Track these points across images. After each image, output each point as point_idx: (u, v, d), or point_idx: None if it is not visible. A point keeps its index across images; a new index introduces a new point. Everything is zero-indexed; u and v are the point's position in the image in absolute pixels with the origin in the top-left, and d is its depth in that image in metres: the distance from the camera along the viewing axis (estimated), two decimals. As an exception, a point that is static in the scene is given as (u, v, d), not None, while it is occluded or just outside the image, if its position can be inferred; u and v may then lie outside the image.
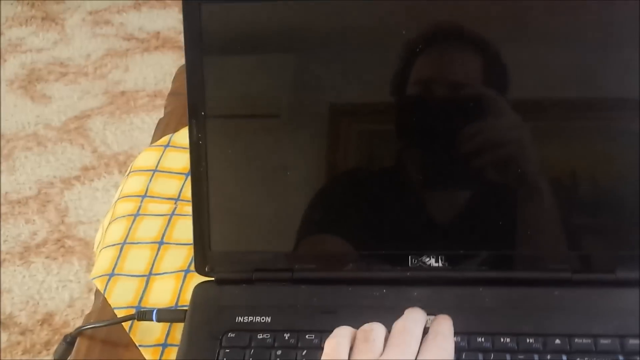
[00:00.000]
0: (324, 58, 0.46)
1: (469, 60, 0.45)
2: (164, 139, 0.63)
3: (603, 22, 0.44)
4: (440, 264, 0.46)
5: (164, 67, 1.34)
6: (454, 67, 0.45)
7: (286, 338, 0.44)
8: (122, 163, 1.19)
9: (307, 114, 0.47)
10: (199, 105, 0.47)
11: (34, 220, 1.10)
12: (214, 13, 0.46)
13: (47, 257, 1.05)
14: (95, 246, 0.60)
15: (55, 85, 1.34)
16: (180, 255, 0.53)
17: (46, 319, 0.95)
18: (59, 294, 0.98)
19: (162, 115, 0.70)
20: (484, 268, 0.46)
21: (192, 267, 0.51)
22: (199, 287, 0.48)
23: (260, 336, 0.45)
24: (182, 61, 0.63)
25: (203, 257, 0.48)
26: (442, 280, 0.46)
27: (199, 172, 0.47)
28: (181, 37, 1.40)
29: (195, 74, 0.47)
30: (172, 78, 0.70)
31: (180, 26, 1.42)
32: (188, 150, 0.58)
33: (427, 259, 0.46)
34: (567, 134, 0.45)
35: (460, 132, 0.44)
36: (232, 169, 0.48)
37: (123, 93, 1.31)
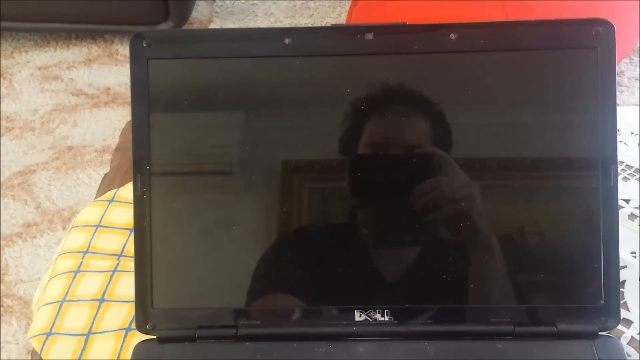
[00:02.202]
0: (273, 115, 0.47)
1: (418, 121, 0.46)
2: (109, 194, 0.62)
3: (544, 85, 0.46)
4: (387, 319, 0.46)
5: (113, 123, 1.33)
6: (404, 127, 0.46)
7: (229, 398, 0.43)
8: (67, 219, 1.17)
9: (254, 170, 0.47)
10: (144, 159, 0.47)
11: (-29, 278, 1.06)
12: (162, 69, 0.47)
13: (-17, 318, 1.00)
14: (34, 304, 0.58)
15: (1, 140, 1.31)
16: (122, 313, 0.52)
17: (-21, 383, 0.91)
18: (-5, 356, 0.94)
19: (109, 170, 0.69)
20: (430, 322, 0.46)
21: (134, 325, 0.49)
22: (139, 346, 0.47)
23: (202, 397, 0.43)
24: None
25: (144, 314, 0.47)
26: (388, 334, 0.46)
27: (142, 228, 0.47)
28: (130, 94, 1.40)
29: (141, 128, 0.47)
30: (120, 134, 0.70)
31: (129, 83, 1.42)
32: (131, 206, 0.57)
33: (374, 314, 0.46)
34: (513, 191, 0.47)
35: (412, 189, 0.45)
36: (176, 225, 0.48)
37: (70, 148, 1.29)
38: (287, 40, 0.46)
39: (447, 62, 0.46)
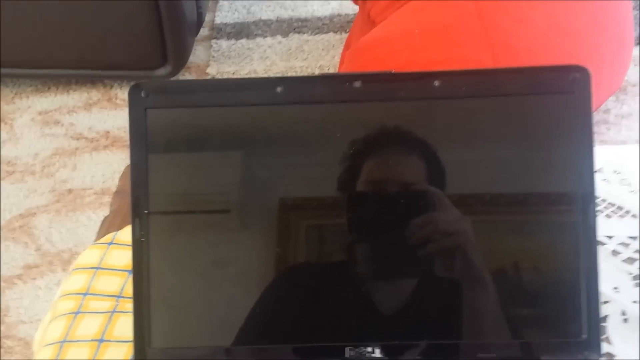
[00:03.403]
0: (268, 158, 0.49)
1: (410, 160, 0.48)
2: (108, 237, 0.64)
3: (525, 129, 0.48)
4: (378, 355, 0.47)
5: (113, 166, 1.35)
6: (399, 166, 0.48)
7: None
8: (67, 261, 1.18)
9: (251, 209, 0.49)
10: (143, 202, 0.49)
11: (-29, 321, 1.06)
12: (159, 117, 0.49)
13: (-18, 360, 1.01)
14: (35, 344, 0.59)
15: (2, 183, 1.33)
16: (120, 352, 0.53)
17: None
18: (-6, 399, 0.94)
19: (108, 213, 0.71)
20: (419, 358, 0.47)
21: (132, 365, 0.51)
22: (138, 385, 0.48)
23: None
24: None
25: (142, 353, 0.48)
26: (379, 370, 0.47)
27: (140, 269, 0.48)
28: (131, 136, 1.43)
29: (139, 175, 0.49)
30: (119, 179, 0.72)
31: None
32: (130, 248, 0.59)
33: (364, 350, 0.47)
34: (500, 227, 0.49)
35: (407, 226, 0.47)
36: (174, 266, 0.49)
37: (70, 191, 1.31)
38: (279, 89, 0.48)
39: (432, 108, 0.49)
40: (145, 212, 0.49)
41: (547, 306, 0.47)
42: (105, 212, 1.06)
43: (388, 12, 1.37)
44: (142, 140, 0.49)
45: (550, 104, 0.48)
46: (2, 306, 1.10)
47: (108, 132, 1.44)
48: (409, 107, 0.49)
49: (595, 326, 0.46)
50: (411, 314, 0.48)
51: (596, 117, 1.40)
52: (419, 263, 0.48)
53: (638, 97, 1.45)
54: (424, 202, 0.47)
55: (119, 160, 1.36)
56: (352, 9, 1.81)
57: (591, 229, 0.47)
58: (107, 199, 1.28)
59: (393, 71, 0.49)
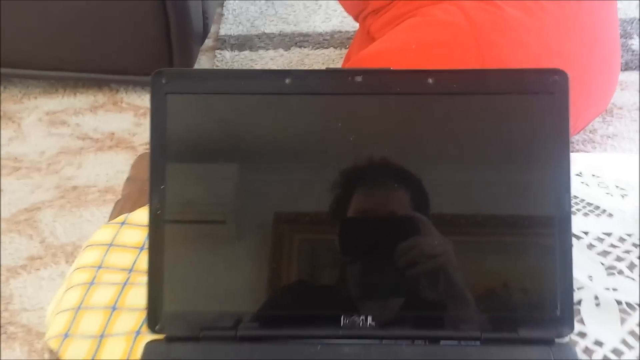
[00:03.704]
0: (268, 164, 0.54)
1: (399, 189, 0.53)
2: (120, 218, 0.68)
3: (507, 125, 0.53)
4: (368, 324, 0.52)
5: (116, 166, 1.40)
6: (387, 193, 0.54)
7: (228, 389, 0.49)
8: (70, 253, 1.22)
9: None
10: (160, 181, 0.53)
11: (-24, 307, 1.10)
12: (178, 102, 0.54)
13: (-14, 344, 1.05)
14: (48, 316, 0.63)
15: (8, 179, 1.38)
16: (132, 319, 0.58)
17: (-18, 405, 0.94)
18: (-3, 380, 0.98)
19: (111, 210, 0.75)
20: (406, 327, 0.52)
21: (143, 329, 0.55)
22: (149, 345, 0.53)
23: (204, 388, 0.49)
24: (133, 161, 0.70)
25: (155, 316, 0.53)
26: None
27: (156, 240, 0.53)
28: (134, 139, 1.48)
29: (158, 153, 0.54)
30: (130, 166, 0.77)
31: (134, 129, 1.50)
32: (142, 228, 0.64)
33: (356, 319, 0.52)
34: (484, 247, 0.54)
35: (394, 248, 0.52)
36: (186, 239, 0.54)
37: (75, 188, 1.35)
38: (287, 80, 0.53)
39: (425, 103, 0.54)
40: (162, 187, 0.53)
41: (526, 286, 0.52)
42: (108, 209, 1.11)
43: (387, 28, 1.44)
44: (162, 122, 0.54)
45: (531, 104, 0.53)
46: (6, 294, 1.14)
47: (113, 133, 1.49)
48: (404, 101, 0.54)
49: (569, 304, 0.51)
50: (400, 321, 0.53)
51: (583, 136, 1.46)
52: (403, 282, 0.53)
53: (624, 119, 1.51)
54: (410, 227, 0.53)
55: (122, 161, 1.41)
56: (353, 26, 1.88)
57: (566, 218, 0.52)
58: (110, 196, 1.32)
59: (391, 68, 0.54)
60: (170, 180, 0.54)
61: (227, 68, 1.72)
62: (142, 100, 1.53)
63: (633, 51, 1.76)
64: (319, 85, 0.54)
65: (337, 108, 0.54)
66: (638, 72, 1.68)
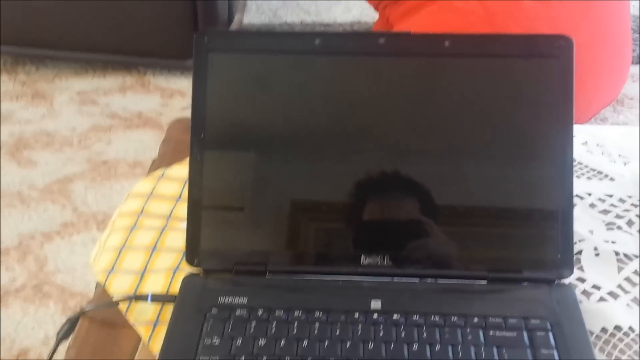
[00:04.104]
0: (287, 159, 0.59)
1: (409, 195, 0.59)
2: (159, 172, 0.74)
3: (524, 81, 0.58)
4: (386, 263, 0.57)
5: (144, 143, 1.46)
6: (399, 199, 0.59)
7: (260, 314, 0.54)
8: (101, 221, 1.29)
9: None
10: (201, 130, 0.59)
11: (14, 267, 1.17)
12: (219, 60, 0.60)
13: (24, 301, 1.11)
14: (92, 258, 0.69)
15: (41, 153, 1.45)
16: (170, 258, 0.63)
17: (21, 354, 1.01)
18: (34, 333, 1.04)
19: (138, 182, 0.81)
20: (419, 266, 0.57)
21: (181, 266, 0.61)
22: (188, 277, 0.58)
23: (238, 312, 0.55)
24: (161, 138, 0.76)
25: (194, 252, 0.58)
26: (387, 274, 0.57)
27: (195, 183, 0.59)
28: (161, 118, 1.54)
29: (199, 106, 0.59)
30: (166, 131, 0.82)
31: (160, 109, 1.56)
32: (178, 181, 0.70)
33: (374, 257, 0.57)
34: (494, 192, 0.58)
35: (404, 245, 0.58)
36: (223, 185, 0.60)
37: (105, 162, 1.42)
38: (317, 41, 0.59)
39: (440, 65, 0.59)
40: (203, 135, 0.59)
41: (530, 233, 0.57)
42: (136, 182, 1.17)
43: (406, 17, 1.48)
44: (204, 77, 0.59)
45: (539, 66, 0.58)
46: (41, 257, 1.21)
47: (141, 113, 1.56)
48: (423, 62, 0.60)
49: (569, 249, 0.56)
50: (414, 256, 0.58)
51: (593, 124, 1.50)
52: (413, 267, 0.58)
53: (635, 109, 1.56)
54: (416, 227, 0.58)
55: (149, 139, 1.47)
56: (372, 17, 1.93)
57: (568, 168, 0.57)
58: (139, 170, 1.39)
59: (411, 32, 0.60)
60: (210, 130, 0.59)
61: (264, 31, 1.77)
62: (169, 82, 1.59)
63: (647, 44, 1.80)
64: (346, 46, 0.59)
65: (361, 68, 0.59)
66: (650, 65, 1.72)
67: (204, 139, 0.59)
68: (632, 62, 1.55)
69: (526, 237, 0.58)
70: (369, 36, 0.59)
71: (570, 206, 0.57)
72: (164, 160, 0.79)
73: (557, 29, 1.34)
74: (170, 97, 1.55)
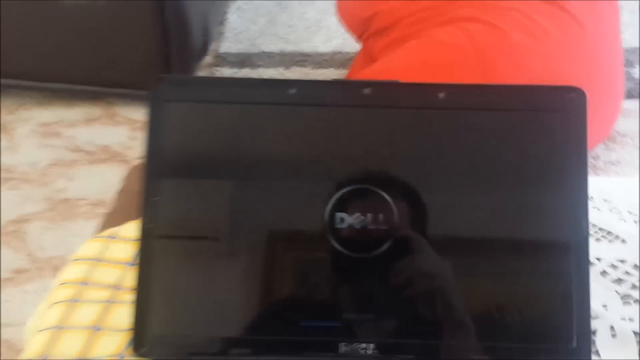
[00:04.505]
0: (264, 180, 0.51)
1: (395, 204, 0.50)
2: (109, 231, 0.65)
3: (519, 145, 0.50)
4: (371, 352, 0.48)
5: (109, 179, 1.36)
6: (382, 209, 0.50)
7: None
8: (56, 268, 1.18)
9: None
10: (154, 193, 0.50)
11: (-43, 320, 1.06)
12: (178, 110, 0.51)
13: (-35, 361, 1.00)
14: (27, 332, 0.59)
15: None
16: (115, 341, 0.54)
17: None
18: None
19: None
20: (411, 356, 0.48)
21: (126, 353, 0.51)
22: (133, 370, 0.49)
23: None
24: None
25: (141, 338, 0.49)
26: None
27: (146, 257, 0.50)
28: (129, 152, 1.44)
29: (153, 163, 0.50)
30: (124, 178, 0.73)
31: (128, 142, 1.47)
32: (132, 243, 0.61)
33: (356, 347, 0.48)
34: (483, 267, 0.50)
35: (389, 267, 0.49)
36: (176, 257, 0.51)
37: (65, 200, 1.32)
38: (292, 90, 0.50)
39: (434, 119, 0.51)
40: (156, 199, 0.50)
41: (538, 313, 0.49)
42: (98, 223, 1.07)
43: (390, 49, 1.42)
44: (159, 131, 0.51)
45: (546, 122, 0.50)
46: (-12, 309, 1.10)
47: (107, 146, 1.46)
48: (413, 115, 0.51)
49: (586, 334, 0.48)
50: (400, 317, 0.49)
51: (591, 173, 1.44)
52: (400, 303, 0.49)
53: (627, 147, 1.49)
54: (404, 246, 0.49)
55: (115, 175, 1.37)
56: (353, 47, 1.86)
57: (583, 242, 0.49)
58: (101, 210, 1.29)
59: (400, 81, 0.51)
60: (165, 193, 0.50)
61: (231, 77, 1.70)
62: (138, 114, 1.50)
63: (635, 79, 1.75)
64: (325, 96, 0.51)
65: (342, 121, 0.51)
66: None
67: (157, 203, 0.50)
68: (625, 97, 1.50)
69: (533, 321, 0.49)
70: (352, 85, 0.51)
71: (586, 282, 0.49)
72: (118, 214, 0.70)
73: (548, 64, 1.28)
74: (139, 129, 1.46)
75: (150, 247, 0.50)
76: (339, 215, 0.49)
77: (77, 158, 1.42)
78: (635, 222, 0.67)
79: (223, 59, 1.88)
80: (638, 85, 1.73)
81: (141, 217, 0.50)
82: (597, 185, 0.72)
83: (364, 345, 0.49)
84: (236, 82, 0.53)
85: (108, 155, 1.45)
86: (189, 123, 0.51)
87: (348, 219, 0.49)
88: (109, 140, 1.49)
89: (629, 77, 1.75)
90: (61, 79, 1.58)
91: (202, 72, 1.81)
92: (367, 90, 0.51)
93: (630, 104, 1.64)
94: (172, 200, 0.50)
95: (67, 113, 1.58)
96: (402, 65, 1.28)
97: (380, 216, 0.49)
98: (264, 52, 1.93)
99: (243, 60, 1.89)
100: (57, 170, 1.40)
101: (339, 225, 0.49)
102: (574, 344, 0.48)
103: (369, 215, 0.49)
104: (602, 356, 0.52)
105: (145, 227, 0.50)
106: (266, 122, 0.51)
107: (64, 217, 1.29)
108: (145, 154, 0.50)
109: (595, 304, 0.56)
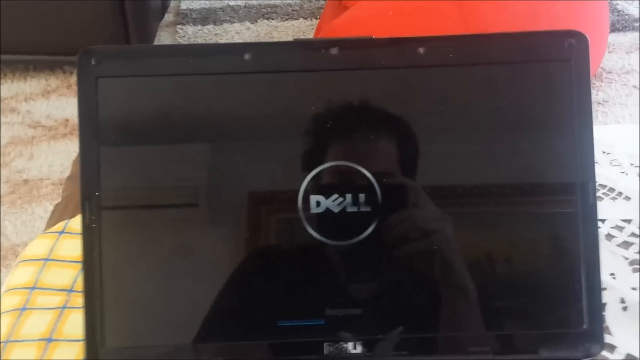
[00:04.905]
0: (235, 144, 0.44)
1: (386, 149, 0.44)
2: (59, 225, 0.58)
3: (517, 100, 0.44)
4: (359, 351, 0.43)
5: (71, 155, 1.28)
6: (371, 152, 0.43)
7: None
8: (21, 256, 1.11)
9: (215, 200, 0.44)
10: (93, 186, 0.43)
11: None
12: (112, 87, 0.44)
13: None
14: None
15: (-48, 174, 1.26)
16: (71, 353, 0.48)
17: None
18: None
19: (60, 200, 0.65)
20: (405, 353, 0.43)
21: (84, 366, 0.45)
22: (89, 389, 0.43)
23: None
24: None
25: (94, 353, 0.43)
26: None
27: (91, 260, 0.43)
28: (92, 125, 1.36)
29: (89, 154, 0.43)
30: (72, 162, 0.66)
31: (91, 113, 1.38)
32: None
33: (344, 345, 0.43)
34: (485, 222, 0.44)
35: (382, 221, 0.42)
36: (129, 257, 0.44)
37: (26, 182, 1.24)
38: (247, 56, 0.43)
39: (416, 77, 0.44)
40: (97, 194, 0.43)
41: (543, 297, 0.43)
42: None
43: (360, -4, 1.33)
44: (92, 114, 0.43)
45: (545, 73, 0.44)
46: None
47: (67, 120, 1.37)
48: (391, 76, 0.44)
49: (598, 315, 0.42)
50: (390, 310, 0.43)
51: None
52: (394, 263, 0.43)
53: (614, 84, 1.43)
54: (399, 196, 0.43)
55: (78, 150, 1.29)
56: (323, -6, 1.76)
57: (591, 210, 0.43)
58: (66, 190, 1.21)
59: (373, 37, 0.44)
60: (105, 181, 0.43)
61: (173, 44, 1.60)
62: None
63: (619, 11, 1.68)
64: (286, 60, 0.44)
65: (308, 88, 0.44)
66: (625, 34, 1.60)
67: (99, 199, 0.43)
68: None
69: (540, 304, 0.43)
70: (317, 45, 0.44)
71: (596, 254, 0.43)
72: (69, 204, 0.63)
73: (531, 3, 1.20)
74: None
75: (95, 248, 0.43)
76: (314, 198, 0.43)
77: (36, 134, 1.33)
78: (637, 174, 0.61)
79: (185, 16, 1.78)
80: (623, 18, 1.65)
81: (81, 210, 0.43)
82: (595, 135, 0.65)
83: (350, 344, 0.43)
84: (180, 50, 0.45)
85: (68, 129, 1.36)
86: (124, 101, 0.44)
87: (325, 202, 0.43)
88: (69, 112, 1.40)
89: (612, 9, 1.68)
90: (13, 50, 1.47)
91: (164, 32, 1.71)
92: (334, 50, 0.43)
93: (615, 38, 1.57)
94: (116, 183, 0.43)
95: (22, 86, 1.48)
96: (373, 13, 1.19)
97: (361, 196, 0.43)
98: (228, 6, 1.83)
99: (206, 16, 1.79)
100: (16, 149, 1.32)
101: (314, 210, 0.43)
102: (585, 326, 0.43)
103: (348, 196, 0.43)
104: (613, 334, 0.47)
105: (87, 227, 0.43)
106: (219, 96, 0.44)
107: (26, 200, 1.21)
108: (79, 139, 0.43)
109: (602, 274, 0.51)
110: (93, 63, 0.43)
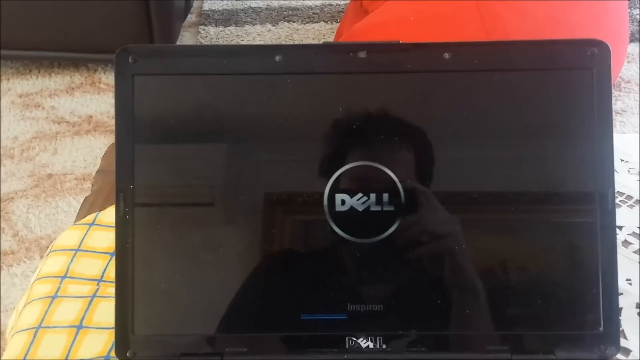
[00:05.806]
0: (259, 143, 0.45)
1: (409, 152, 0.45)
2: (89, 217, 0.60)
3: (538, 107, 0.45)
4: (379, 346, 0.44)
5: (95, 151, 1.31)
6: (395, 158, 0.45)
7: None
8: (44, 248, 1.13)
9: (239, 198, 0.45)
10: (128, 178, 0.45)
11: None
12: (147, 85, 0.45)
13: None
14: (8, 331, 0.55)
15: (-22, 166, 1.29)
16: (100, 340, 0.49)
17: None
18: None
19: (90, 193, 0.67)
20: (424, 350, 0.44)
21: (112, 354, 0.47)
22: (118, 375, 0.44)
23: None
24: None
25: (125, 341, 0.44)
26: (379, 362, 0.44)
27: (123, 250, 0.45)
28: (113, 122, 1.38)
29: (125, 147, 0.45)
30: (102, 157, 0.68)
31: (112, 111, 1.41)
32: (114, 230, 0.55)
33: (364, 341, 0.44)
34: (498, 228, 0.45)
35: (395, 224, 0.44)
36: (160, 248, 0.46)
37: (50, 176, 1.26)
38: (277, 58, 0.45)
39: (441, 82, 0.46)
40: (131, 187, 0.45)
41: (561, 298, 0.44)
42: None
43: (382, 0, 1.34)
44: (128, 111, 0.45)
45: (567, 81, 0.45)
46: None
47: (91, 116, 1.40)
48: (416, 80, 0.46)
49: (614, 318, 0.43)
50: (405, 308, 0.45)
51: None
52: (406, 264, 0.44)
53: (632, 94, 1.43)
54: (411, 201, 0.44)
55: (101, 146, 1.32)
56: (344, -2, 1.78)
57: (610, 216, 0.44)
58: (88, 184, 1.23)
59: (400, 41, 0.45)
60: (139, 175, 0.45)
61: (206, 44, 1.62)
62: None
63: (639, 21, 1.68)
64: (315, 63, 0.45)
65: (336, 90, 0.45)
66: (645, 44, 1.60)
67: (134, 191, 0.45)
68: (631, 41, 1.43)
69: (557, 306, 0.45)
70: (345, 48, 0.45)
71: (613, 259, 0.44)
72: (98, 197, 0.65)
73: (551, 10, 1.21)
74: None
75: (128, 239, 0.45)
76: (339, 196, 0.44)
77: (60, 129, 1.36)
78: (656, 182, 0.62)
79: (207, 17, 1.80)
80: (638, 28, 1.66)
81: (116, 208, 0.44)
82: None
83: (372, 339, 0.44)
84: (214, 50, 0.46)
85: (92, 125, 1.38)
86: (160, 98, 0.45)
87: (349, 201, 0.44)
88: (92, 109, 1.43)
89: (632, 19, 1.68)
90: (40, 47, 1.50)
91: (186, 32, 1.73)
92: (362, 54, 0.45)
93: (634, 48, 1.57)
94: (150, 180, 0.45)
95: (47, 82, 1.51)
96: (395, 17, 1.21)
97: (385, 196, 0.44)
98: (250, 8, 1.85)
99: (228, 17, 1.81)
100: (40, 144, 1.34)
101: (339, 208, 0.44)
102: (601, 329, 0.44)
103: (372, 195, 0.44)
104: (629, 338, 0.48)
105: (120, 218, 0.44)
106: (250, 96, 0.45)
107: (50, 193, 1.23)
108: (115, 136, 0.45)
109: (619, 279, 0.52)
110: (130, 61, 0.45)
